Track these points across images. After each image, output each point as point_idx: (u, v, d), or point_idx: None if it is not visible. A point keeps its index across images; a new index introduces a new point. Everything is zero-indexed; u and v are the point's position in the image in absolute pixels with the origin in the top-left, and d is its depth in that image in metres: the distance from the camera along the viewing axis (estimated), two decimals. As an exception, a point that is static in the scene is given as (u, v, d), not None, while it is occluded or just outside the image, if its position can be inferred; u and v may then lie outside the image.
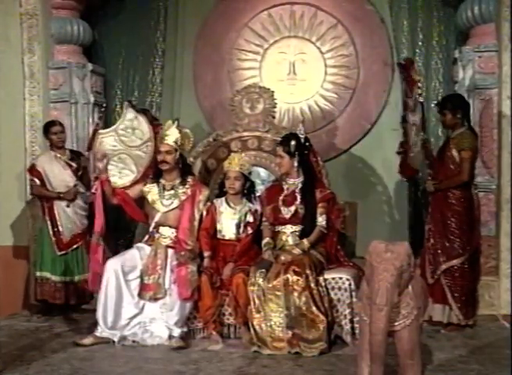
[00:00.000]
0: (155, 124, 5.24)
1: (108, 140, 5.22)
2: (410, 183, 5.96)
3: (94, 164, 5.60)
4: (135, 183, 5.18)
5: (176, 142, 4.90)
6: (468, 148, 4.85)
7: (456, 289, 4.85)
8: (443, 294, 4.87)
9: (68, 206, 5.47)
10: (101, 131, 5.31)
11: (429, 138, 5.83)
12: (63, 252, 5.48)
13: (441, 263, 4.87)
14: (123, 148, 5.23)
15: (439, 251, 4.89)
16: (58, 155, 5.59)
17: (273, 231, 4.83)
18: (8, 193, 5.87)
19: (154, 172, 5.05)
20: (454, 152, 4.88)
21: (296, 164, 4.78)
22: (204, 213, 4.94)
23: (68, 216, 5.49)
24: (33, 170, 5.56)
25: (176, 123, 4.98)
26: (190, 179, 5.03)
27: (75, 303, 5.54)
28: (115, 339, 4.57)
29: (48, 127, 5.59)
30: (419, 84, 5.22)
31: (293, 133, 4.94)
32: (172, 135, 4.90)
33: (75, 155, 5.65)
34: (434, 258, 4.91)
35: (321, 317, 4.34)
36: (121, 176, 5.19)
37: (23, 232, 5.95)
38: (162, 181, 4.97)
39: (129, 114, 5.32)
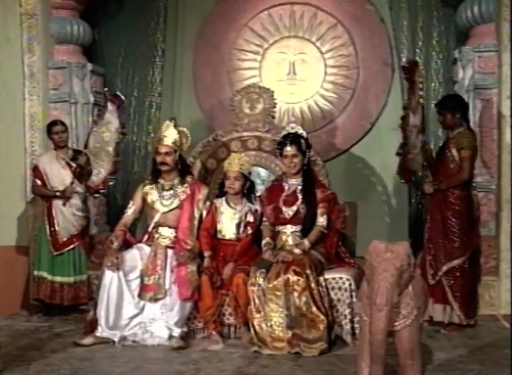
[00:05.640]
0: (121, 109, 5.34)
1: (95, 137, 5.31)
2: (410, 183, 5.95)
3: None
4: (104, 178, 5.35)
5: (174, 143, 4.87)
6: (468, 146, 4.85)
7: (457, 289, 4.84)
8: (444, 294, 4.86)
9: (64, 204, 5.45)
10: (95, 129, 5.36)
11: (429, 139, 5.84)
12: (59, 252, 5.47)
13: (442, 264, 4.86)
14: (102, 144, 5.29)
15: (440, 252, 4.88)
16: (61, 155, 5.58)
17: (273, 231, 4.82)
18: (8, 193, 5.87)
19: (152, 172, 5.05)
20: (454, 152, 4.88)
21: (305, 162, 4.77)
22: (205, 213, 4.94)
23: (64, 216, 5.47)
24: (35, 170, 5.57)
25: (173, 122, 4.93)
26: (188, 178, 5.03)
27: (69, 304, 5.49)
28: (116, 339, 4.56)
29: (50, 127, 5.59)
30: (420, 86, 5.20)
31: (297, 133, 4.86)
32: (170, 136, 4.87)
33: (77, 155, 5.61)
34: (434, 260, 4.90)
35: (322, 317, 4.33)
36: (97, 173, 5.25)
37: (23, 232, 5.95)
38: (161, 181, 4.96)
39: (109, 106, 5.36)
